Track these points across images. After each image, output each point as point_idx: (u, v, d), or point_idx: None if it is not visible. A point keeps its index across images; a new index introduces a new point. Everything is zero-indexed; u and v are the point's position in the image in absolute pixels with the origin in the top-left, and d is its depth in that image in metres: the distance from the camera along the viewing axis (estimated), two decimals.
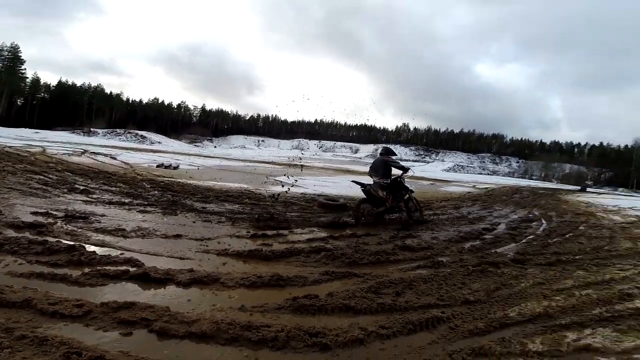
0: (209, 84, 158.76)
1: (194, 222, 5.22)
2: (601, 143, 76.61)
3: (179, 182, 9.74)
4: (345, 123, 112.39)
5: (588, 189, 29.64)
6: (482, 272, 3.66)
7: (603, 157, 66.89)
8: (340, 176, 19.15)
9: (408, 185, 6.68)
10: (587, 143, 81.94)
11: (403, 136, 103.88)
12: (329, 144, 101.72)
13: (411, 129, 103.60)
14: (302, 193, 9.46)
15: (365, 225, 5.91)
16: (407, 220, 6.45)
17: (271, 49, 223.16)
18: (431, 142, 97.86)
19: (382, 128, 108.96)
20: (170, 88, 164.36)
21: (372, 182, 6.38)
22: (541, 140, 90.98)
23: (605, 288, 3.40)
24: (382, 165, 6.36)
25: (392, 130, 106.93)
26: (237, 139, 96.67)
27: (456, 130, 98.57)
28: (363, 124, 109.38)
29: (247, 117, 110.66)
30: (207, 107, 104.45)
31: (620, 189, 45.22)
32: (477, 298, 2.97)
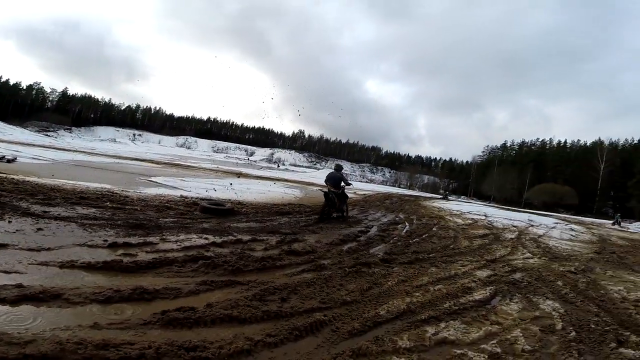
0: (77, 66, 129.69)
1: (29, 229, 4.06)
2: (450, 158, 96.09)
3: (13, 178, 7.52)
4: (242, 124, 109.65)
5: (449, 197, 35.33)
6: (357, 273, 3.95)
7: (451, 170, 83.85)
8: (232, 179, 18.31)
9: (347, 193, 9.15)
10: (441, 158, 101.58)
11: (298, 142, 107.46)
12: (222, 144, 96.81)
13: (306, 136, 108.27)
14: (182, 196, 8.56)
15: (245, 231, 5.72)
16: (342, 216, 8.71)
17: (166, 36, 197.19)
18: (322, 150, 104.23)
19: (279, 133, 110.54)
20: (23, 66, 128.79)
21: (327, 190, 8.33)
22: (408, 154, 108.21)
23: (451, 283, 4.09)
24: (336, 178, 8.55)
25: (289, 136, 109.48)
26: (106, 131, 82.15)
27: (343, 141, 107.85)
28: (261, 127, 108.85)
29: (123, 107, 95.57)
30: (71, 92, 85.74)
31: (462, 197, 57.55)
32: (353, 298, 3.16)
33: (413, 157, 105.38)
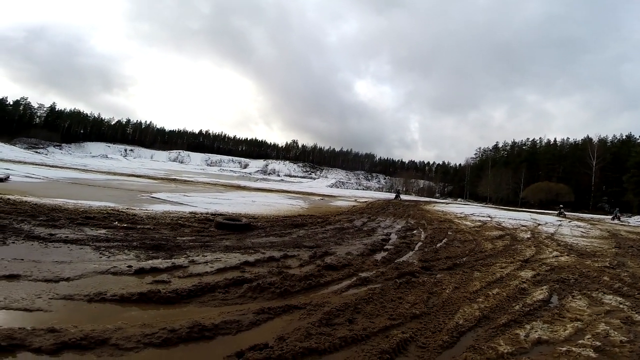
0: (50, 77, 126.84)
1: (38, 255, 3.68)
2: (444, 162, 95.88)
3: (9, 199, 7.09)
4: (234, 136, 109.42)
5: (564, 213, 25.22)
6: (408, 284, 3.69)
7: (445, 173, 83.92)
8: (233, 192, 17.94)
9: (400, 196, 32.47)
10: (434, 162, 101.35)
11: (292, 153, 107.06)
12: (215, 157, 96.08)
13: (299, 145, 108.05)
14: (191, 212, 8.19)
15: (269, 247, 5.39)
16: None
17: (136, 42, 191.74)
18: (316, 159, 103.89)
19: (272, 143, 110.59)
20: None
21: (394, 195, 33.62)
22: (402, 160, 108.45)
23: (504, 285, 3.89)
24: (398, 192, 36.22)
25: (281, 147, 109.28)
26: (97, 147, 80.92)
27: (337, 149, 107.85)
28: (253, 138, 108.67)
29: (113, 122, 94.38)
30: (59, 107, 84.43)
31: (459, 199, 57.55)
32: (421, 311, 2.93)
33: (407, 162, 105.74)
